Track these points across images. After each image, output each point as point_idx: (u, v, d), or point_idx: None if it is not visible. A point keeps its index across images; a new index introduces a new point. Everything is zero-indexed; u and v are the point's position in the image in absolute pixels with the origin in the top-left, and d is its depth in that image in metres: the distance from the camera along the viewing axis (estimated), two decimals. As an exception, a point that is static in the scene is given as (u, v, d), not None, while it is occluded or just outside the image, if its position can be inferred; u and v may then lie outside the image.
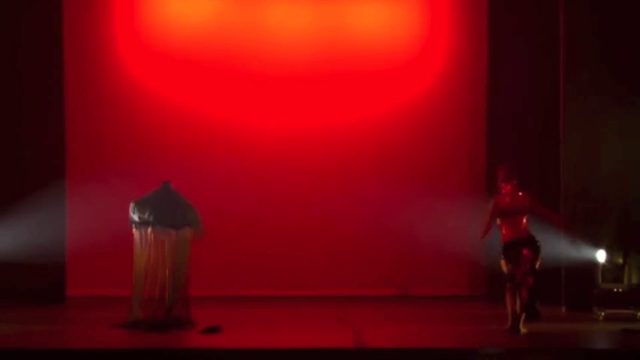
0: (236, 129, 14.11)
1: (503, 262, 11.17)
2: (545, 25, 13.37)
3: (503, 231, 11.14)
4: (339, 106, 14.21)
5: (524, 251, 10.91)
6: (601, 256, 12.48)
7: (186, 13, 14.18)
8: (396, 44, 14.25)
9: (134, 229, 11.41)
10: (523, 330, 10.99)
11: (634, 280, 12.47)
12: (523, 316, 10.98)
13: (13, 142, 13.18)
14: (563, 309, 12.74)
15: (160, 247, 11.32)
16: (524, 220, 11.12)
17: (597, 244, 12.57)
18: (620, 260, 12.50)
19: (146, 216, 11.32)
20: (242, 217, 13.97)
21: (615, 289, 12.36)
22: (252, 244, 13.95)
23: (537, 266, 10.98)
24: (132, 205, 11.45)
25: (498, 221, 11.15)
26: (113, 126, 14.00)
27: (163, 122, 14.02)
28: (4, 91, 13.13)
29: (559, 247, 12.75)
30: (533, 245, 11.03)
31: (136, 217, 11.39)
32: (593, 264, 12.50)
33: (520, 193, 11.19)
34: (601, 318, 12.15)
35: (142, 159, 13.79)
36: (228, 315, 12.04)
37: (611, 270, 12.48)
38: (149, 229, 11.33)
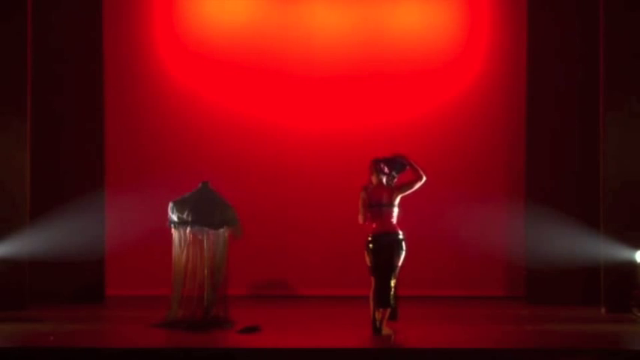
0: (275, 130, 14.09)
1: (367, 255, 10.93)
2: (585, 25, 13.28)
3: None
4: (377, 107, 14.14)
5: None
6: (641, 256, 12.41)
7: (226, 15, 14.19)
8: (435, 45, 14.16)
9: (173, 229, 11.47)
10: (386, 331, 10.80)
11: (675, 281, 12.39)
12: (387, 315, 10.81)
13: (55, 140, 13.33)
14: (603, 310, 12.63)
15: (198, 247, 11.37)
16: (393, 214, 10.87)
17: (637, 244, 12.46)
18: (661, 261, 12.41)
19: (185, 216, 11.37)
20: (280, 217, 13.98)
21: (656, 291, 12.29)
22: (291, 244, 13.96)
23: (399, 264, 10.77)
24: (171, 204, 11.52)
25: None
26: (152, 127, 14.02)
27: (202, 124, 14.03)
28: (44, 101, 13.21)
29: (598, 247, 12.68)
30: (398, 242, 10.78)
31: (174, 217, 11.44)
32: (634, 264, 12.39)
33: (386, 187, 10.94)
34: (641, 319, 12.09)
35: (180, 159, 13.85)
36: (266, 314, 12.05)
37: (652, 271, 12.40)
38: (188, 229, 11.38)
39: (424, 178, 10.86)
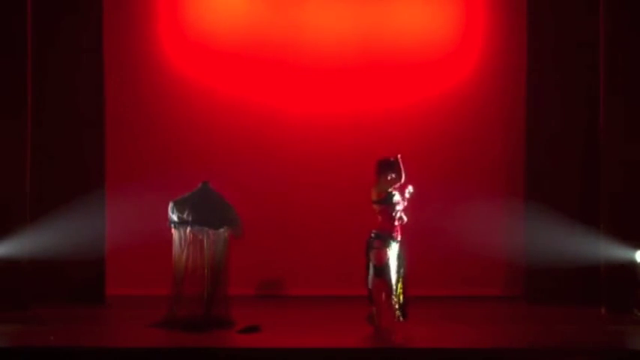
0: (277, 131, 13.96)
1: None
2: (586, 19, 13.17)
3: None
4: (377, 107, 14.04)
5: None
6: (641, 256, 12.40)
7: (228, 8, 14.13)
8: (434, 37, 14.06)
9: (173, 229, 11.49)
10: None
11: (676, 281, 12.38)
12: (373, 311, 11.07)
13: (55, 140, 13.26)
14: (603, 310, 12.62)
15: (198, 247, 11.40)
16: (378, 215, 11.09)
17: (637, 244, 12.44)
18: (661, 260, 12.40)
19: (185, 216, 11.40)
20: (281, 217, 13.95)
21: (656, 290, 12.29)
22: (291, 244, 13.91)
23: (372, 264, 11.00)
24: (171, 204, 11.54)
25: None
26: (153, 127, 13.99)
27: (203, 124, 13.95)
28: (44, 101, 13.17)
29: (598, 247, 12.67)
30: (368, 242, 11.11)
31: (174, 217, 11.47)
32: (634, 264, 12.39)
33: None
34: (642, 319, 12.09)
35: (180, 159, 13.80)
36: (266, 314, 12.05)
37: (652, 270, 12.39)
38: (188, 229, 11.41)
39: None
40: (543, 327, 11.57)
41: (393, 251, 11.00)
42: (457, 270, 13.87)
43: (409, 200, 11.12)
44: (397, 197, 11.02)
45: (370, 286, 11.00)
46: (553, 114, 13.36)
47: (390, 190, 11.00)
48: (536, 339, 10.88)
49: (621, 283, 12.45)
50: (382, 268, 10.93)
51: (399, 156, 11.11)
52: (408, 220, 11.10)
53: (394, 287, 11.00)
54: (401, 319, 11.02)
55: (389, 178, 11.05)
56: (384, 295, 10.96)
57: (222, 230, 11.49)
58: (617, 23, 12.74)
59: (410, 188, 11.12)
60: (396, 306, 11.00)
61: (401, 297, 11.01)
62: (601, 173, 12.88)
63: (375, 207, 11.04)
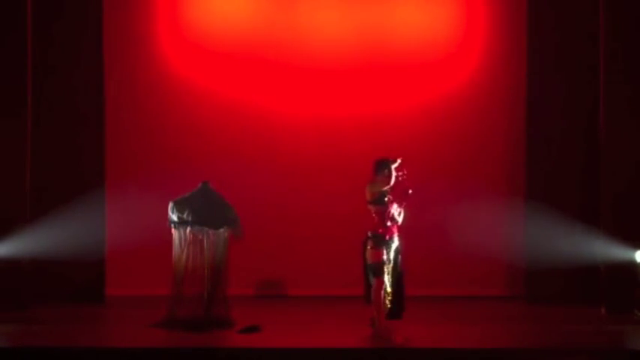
0: (278, 131, 13.97)
1: None
2: (585, 19, 13.17)
3: None
4: (377, 108, 14.03)
5: None
6: (641, 256, 12.39)
7: (227, 8, 14.11)
8: (435, 38, 14.05)
9: (173, 229, 11.50)
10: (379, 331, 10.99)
11: (676, 281, 12.37)
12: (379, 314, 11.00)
13: (55, 140, 13.24)
14: (603, 310, 12.62)
15: (198, 247, 11.41)
16: (374, 215, 11.04)
17: (637, 244, 12.43)
18: (662, 260, 12.40)
19: (185, 216, 11.41)
20: (281, 217, 13.93)
21: (657, 290, 12.28)
22: (291, 244, 13.91)
23: (368, 264, 10.97)
24: (171, 204, 11.55)
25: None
26: (153, 126, 13.98)
27: (203, 124, 13.96)
28: (44, 100, 13.14)
29: (598, 247, 12.65)
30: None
31: (174, 217, 11.47)
32: (634, 264, 12.38)
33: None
34: (642, 319, 12.08)
35: (181, 159, 13.79)
36: (266, 314, 12.05)
37: (653, 270, 12.38)
38: (188, 229, 11.41)
39: None
40: (543, 327, 11.57)
41: (389, 251, 10.97)
42: (457, 270, 13.85)
43: (408, 201, 11.08)
44: (391, 198, 11.00)
45: (368, 286, 10.98)
46: (553, 114, 13.35)
47: (383, 190, 10.95)
48: (537, 339, 10.88)
49: (621, 283, 12.45)
50: (378, 268, 10.91)
51: (399, 160, 11.06)
52: (406, 220, 11.03)
53: (388, 287, 10.99)
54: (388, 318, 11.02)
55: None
56: (382, 295, 10.94)
57: (222, 230, 11.50)
58: (618, 23, 12.73)
59: (409, 190, 11.08)
60: (388, 305, 11.00)
61: (391, 296, 11.02)
62: (601, 173, 12.86)
63: (370, 207, 11.01)
